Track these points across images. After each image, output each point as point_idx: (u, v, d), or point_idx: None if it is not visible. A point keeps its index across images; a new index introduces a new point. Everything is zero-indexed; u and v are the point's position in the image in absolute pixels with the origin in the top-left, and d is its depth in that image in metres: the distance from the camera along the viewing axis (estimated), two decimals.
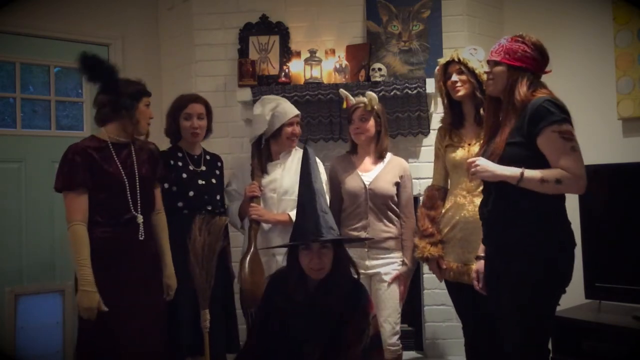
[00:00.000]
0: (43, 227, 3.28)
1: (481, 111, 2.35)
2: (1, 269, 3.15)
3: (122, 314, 2.12)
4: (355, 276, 2.07)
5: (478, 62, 2.37)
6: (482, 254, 2.12)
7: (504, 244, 1.90)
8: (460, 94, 2.36)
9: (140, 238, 2.22)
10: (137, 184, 2.24)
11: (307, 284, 2.00)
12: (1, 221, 3.19)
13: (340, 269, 2.00)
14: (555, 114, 1.79)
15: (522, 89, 1.87)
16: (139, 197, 2.23)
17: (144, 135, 2.34)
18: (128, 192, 2.21)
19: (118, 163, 2.22)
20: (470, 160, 1.91)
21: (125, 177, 2.21)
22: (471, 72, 2.34)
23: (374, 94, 2.69)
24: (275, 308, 2.04)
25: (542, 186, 1.79)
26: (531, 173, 1.79)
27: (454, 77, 2.36)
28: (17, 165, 3.26)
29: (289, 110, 2.71)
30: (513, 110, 1.88)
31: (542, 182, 1.78)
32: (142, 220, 2.23)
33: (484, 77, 2.26)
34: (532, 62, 1.90)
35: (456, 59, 2.37)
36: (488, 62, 1.98)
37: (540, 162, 1.81)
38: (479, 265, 2.13)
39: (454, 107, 2.44)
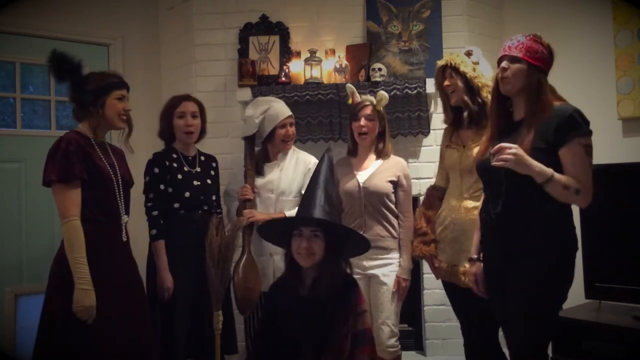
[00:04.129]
0: (43, 227, 3.28)
1: (465, 115, 2.34)
2: (1, 269, 3.15)
3: (102, 313, 2.04)
4: (348, 270, 2.09)
5: (472, 64, 2.34)
6: (476, 256, 2.12)
7: (513, 247, 1.89)
8: (452, 100, 2.36)
9: (124, 239, 2.18)
10: (121, 184, 2.19)
11: (303, 281, 2.03)
12: (1, 221, 3.19)
13: (331, 261, 2.00)
14: (584, 126, 1.80)
15: (547, 90, 1.86)
16: (122, 197, 2.19)
17: (122, 129, 2.25)
18: (116, 191, 2.17)
19: (104, 160, 2.17)
20: (505, 145, 1.78)
21: (113, 176, 2.17)
22: (462, 76, 2.31)
23: (385, 94, 2.67)
24: (276, 310, 2.06)
25: (562, 192, 1.78)
26: (559, 177, 1.77)
27: (447, 82, 2.36)
28: (17, 165, 3.26)
29: (280, 112, 2.71)
30: (538, 111, 1.84)
31: (564, 189, 1.77)
32: (126, 221, 2.19)
33: (477, 81, 2.25)
34: (546, 64, 1.89)
35: (449, 64, 2.35)
36: (503, 57, 1.91)
37: (557, 171, 1.79)
38: (476, 268, 2.11)
39: (455, 108, 2.43)
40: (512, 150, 1.76)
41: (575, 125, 1.79)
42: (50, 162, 2.07)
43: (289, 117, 2.73)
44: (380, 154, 2.68)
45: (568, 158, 1.80)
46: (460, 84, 2.31)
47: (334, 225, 2.03)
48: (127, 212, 2.25)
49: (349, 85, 2.77)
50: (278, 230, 2.10)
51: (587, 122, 1.82)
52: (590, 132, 1.81)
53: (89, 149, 2.13)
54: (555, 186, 1.77)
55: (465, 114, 2.35)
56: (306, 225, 1.98)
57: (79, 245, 2.02)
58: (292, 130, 2.74)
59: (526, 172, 1.78)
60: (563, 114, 1.80)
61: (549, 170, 1.77)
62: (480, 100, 2.28)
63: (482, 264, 2.09)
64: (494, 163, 1.80)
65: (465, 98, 2.32)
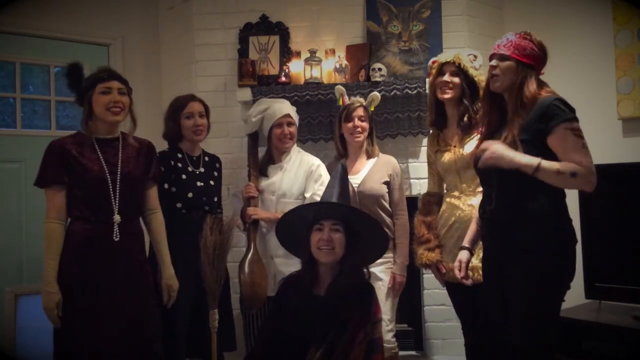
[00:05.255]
0: (43, 227, 3.27)
1: (465, 118, 2.35)
2: (1, 269, 3.15)
3: (93, 314, 2.06)
4: (366, 271, 2.07)
5: (475, 69, 2.37)
6: (467, 245, 2.13)
7: (508, 242, 1.90)
8: (447, 96, 2.37)
9: (115, 239, 2.14)
10: (118, 182, 2.17)
11: (320, 280, 2.01)
12: (1, 221, 3.19)
13: (351, 259, 1.98)
14: (566, 112, 1.80)
15: (531, 87, 1.87)
16: (118, 196, 2.17)
17: (115, 122, 2.22)
18: (110, 190, 2.15)
19: (101, 159, 2.16)
20: (484, 145, 1.85)
21: (108, 174, 2.15)
22: (468, 78, 2.33)
23: (377, 95, 2.70)
24: (288, 307, 2.03)
25: (557, 178, 1.78)
26: (548, 164, 1.78)
27: (446, 77, 2.36)
28: (17, 165, 3.26)
29: (278, 110, 2.70)
30: (522, 107, 1.87)
31: (558, 174, 1.77)
32: (119, 220, 2.16)
33: (483, 84, 2.27)
34: (537, 61, 1.91)
35: (456, 62, 2.36)
36: (492, 55, 1.95)
37: (548, 160, 1.80)
38: (461, 256, 2.13)
39: (438, 107, 2.44)
40: (490, 148, 1.81)
41: (556, 113, 1.80)
42: (39, 167, 2.14)
43: (285, 116, 2.69)
44: (370, 154, 2.70)
45: (557, 144, 1.80)
46: (463, 85, 2.33)
47: (356, 213, 2.03)
48: (132, 211, 2.23)
49: (338, 87, 2.79)
50: (297, 225, 2.05)
51: (570, 109, 1.82)
52: (574, 118, 1.81)
53: (81, 149, 2.14)
54: (546, 174, 1.78)
55: (465, 117, 2.35)
56: (327, 219, 1.98)
57: (51, 247, 2.08)
58: (289, 129, 2.70)
59: (510, 166, 1.80)
60: (543, 104, 1.82)
61: (536, 159, 1.78)
62: (477, 105, 2.30)
63: (469, 253, 2.12)
64: (480, 164, 1.88)
65: (465, 101, 2.34)
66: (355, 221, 2.01)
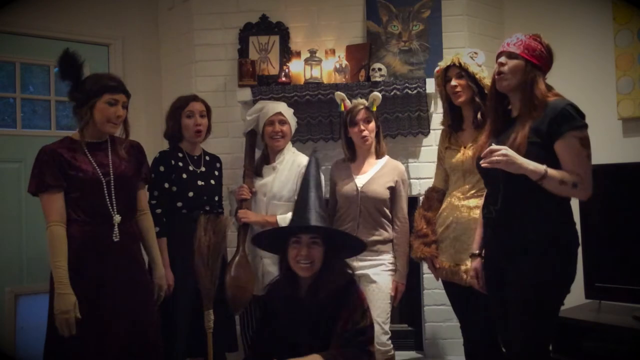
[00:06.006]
0: (43, 227, 3.22)
1: (479, 115, 2.35)
2: (1, 269, 3.15)
3: (95, 316, 2.05)
4: (350, 271, 2.04)
5: (478, 66, 2.37)
6: (477, 251, 2.13)
7: (511, 242, 1.90)
8: (460, 100, 2.37)
9: (115, 239, 2.14)
10: (112, 183, 2.17)
11: (299, 284, 1.99)
12: (1, 221, 3.19)
13: (331, 268, 1.95)
14: (577, 119, 1.81)
15: (541, 87, 1.87)
16: (114, 196, 2.16)
17: (111, 133, 2.21)
18: (105, 191, 2.14)
19: (93, 162, 2.15)
20: (494, 147, 1.81)
21: (102, 176, 2.14)
22: (471, 76, 2.33)
23: (378, 95, 2.68)
24: (273, 313, 2.04)
25: (559, 187, 1.78)
26: (553, 172, 1.78)
27: (454, 82, 2.36)
28: (17, 165, 3.26)
29: (270, 109, 2.72)
30: (532, 108, 1.86)
31: (561, 184, 1.78)
32: (118, 220, 2.16)
33: (486, 81, 2.26)
34: (545, 63, 1.91)
35: (457, 63, 2.36)
36: (501, 53, 1.94)
37: (554, 164, 1.81)
38: (477, 263, 2.13)
39: (454, 111, 2.44)
40: (501, 151, 1.78)
41: (568, 119, 1.80)
42: (31, 174, 2.12)
43: (277, 114, 2.71)
44: (379, 153, 2.69)
45: (563, 151, 1.80)
46: (470, 84, 2.33)
47: (334, 232, 2.01)
48: (129, 211, 2.23)
49: (338, 93, 2.77)
50: (274, 239, 2.03)
51: (581, 115, 1.83)
52: (584, 125, 1.82)
53: (73, 153, 2.13)
54: (551, 182, 1.78)
55: (479, 115, 2.35)
56: (305, 233, 1.93)
57: (58, 251, 2.05)
58: (280, 127, 2.70)
59: (518, 171, 1.79)
60: (555, 108, 1.82)
61: (542, 167, 1.77)
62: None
63: (481, 259, 2.11)
64: (481, 163, 1.84)
65: (477, 99, 2.33)
66: (331, 233, 2.00)
